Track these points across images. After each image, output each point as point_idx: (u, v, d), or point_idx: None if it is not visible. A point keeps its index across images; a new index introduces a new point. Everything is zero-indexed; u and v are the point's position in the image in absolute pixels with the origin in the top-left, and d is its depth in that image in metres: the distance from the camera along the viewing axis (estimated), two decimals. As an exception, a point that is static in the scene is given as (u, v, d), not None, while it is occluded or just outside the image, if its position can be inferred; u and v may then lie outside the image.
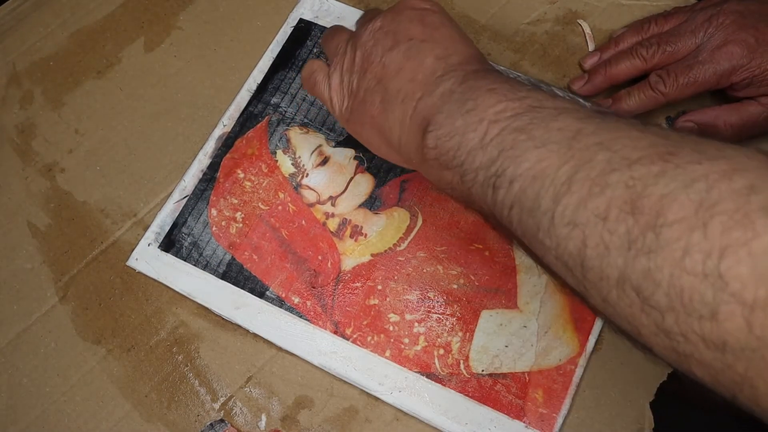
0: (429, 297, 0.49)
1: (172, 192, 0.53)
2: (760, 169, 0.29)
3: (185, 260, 0.51)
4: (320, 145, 0.54)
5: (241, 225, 0.52)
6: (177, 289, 0.50)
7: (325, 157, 0.53)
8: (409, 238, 0.50)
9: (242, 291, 0.50)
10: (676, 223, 0.28)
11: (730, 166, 0.29)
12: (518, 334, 0.47)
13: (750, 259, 0.26)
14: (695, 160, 0.30)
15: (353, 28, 0.57)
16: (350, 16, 0.58)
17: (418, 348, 0.47)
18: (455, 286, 0.49)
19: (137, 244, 0.51)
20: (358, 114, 0.44)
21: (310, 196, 0.52)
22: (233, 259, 0.51)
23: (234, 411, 0.47)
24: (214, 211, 0.52)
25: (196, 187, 0.53)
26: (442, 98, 0.38)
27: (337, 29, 0.49)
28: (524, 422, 0.45)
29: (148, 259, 0.51)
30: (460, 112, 0.37)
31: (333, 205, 0.52)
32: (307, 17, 0.58)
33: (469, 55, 0.41)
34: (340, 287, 0.49)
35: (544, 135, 0.34)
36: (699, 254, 0.27)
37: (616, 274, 0.30)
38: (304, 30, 0.58)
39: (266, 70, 0.56)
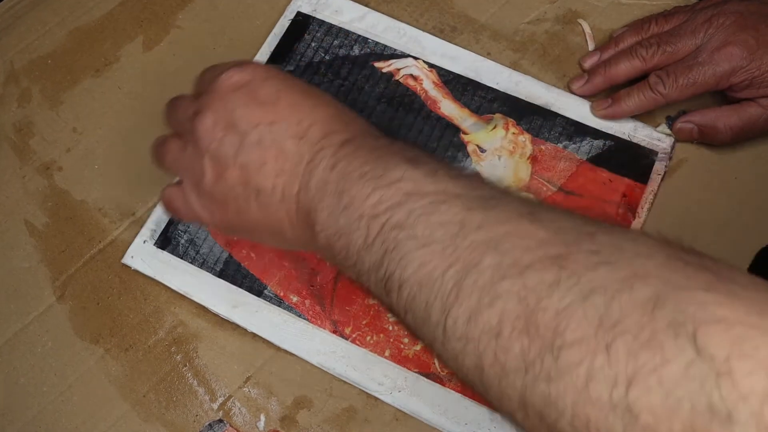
0: (428, 297, 0.49)
1: (170, 191, 0.53)
2: (661, 271, 0.26)
3: (182, 258, 0.50)
4: (319, 145, 0.54)
5: (239, 224, 0.51)
6: (173, 287, 0.50)
7: (325, 157, 0.53)
8: (409, 238, 0.50)
9: (240, 289, 0.49)
10: (576, 345, 0.25)
11: (629, 271, 0.26)
12: (518, 334, 0.47)
13: (661, 388, 0.23)
14: (591, 265, 0.27)
15: (353, 28, 0.57)
16: (348, 9, 0.58)
17: (418, 348, 0.47)
18: (455, 286, 0.49)
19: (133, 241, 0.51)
20: (238, 223, 0.39)
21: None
22: (230, 256, 0.50)
23: (233, 411, 0.47)
24: (212, 210, 0.52)
25: (194, 186, 0.53)
26: (318, 192, 0.35)
27: (163, 141, 0.43)
28: (524, 422, 0.45)
29: (144, 256, 0.51)
30: (339, 209, 0.34)
31: (332, 204, 0.52)
32: (305, 10, 0.58)
33: (325, 120, 0.37)
34: (339, 286, 0.49)
35: (425, 232, 0.30)
36: (604, 382, 0.24)
37: (516, 396, 0.27)
38: (301, 24, 0.57)
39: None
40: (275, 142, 0.36)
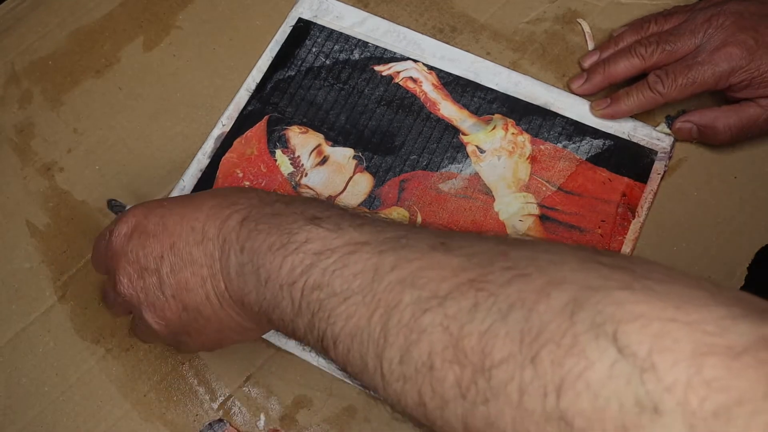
0: (428, 297, 0.49)
1: (171, 192, 0.53)
2: (576, 275, 0.26)
3: (184, 260, 0.51)
4: (319, 145, 0.54)
5: (240, 224, 0.51)
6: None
7: (324, 157, 0.53)
8: (408, 238, 0.50)
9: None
10: (504, 363, 0.26)
11: (544, 279, 0.27)
12: (517, 334, 0.47)
13: (589, 391, 0.24)
14: (506, 281, 0.27)
15: (354, 33, 0.57)
16: (348, 14, 0.58)
17: (417, 348, 0.47)
18: (454, 286, 0.49)
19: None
20: (208, 342, 0.41)
21: (309, 195, 0.52)
22: (232, 258, 0.50)
23: (233, 411, 0.47)
24: (213, 211, 0.52)
25: (195, 186, 0.53)
26: (240, 278, 0.36)
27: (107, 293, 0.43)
28: (523, 422, 0.45)
29: (147, 258, 0.51)
30: (262, 285, 0.34)
31: (332, 204, 0.52)
32: (306, 17, 0.58)
33: (214, 212, 0.38)
34: (338, 287, 0.49)
35: (343, 286, 0.31)
36: (535, 394, 0.25)
37: (460, 424, 0.27)
38: (303, 29, 0.57)
39: (265, 70, 0.56)
40: (184, 259, 0.38)
